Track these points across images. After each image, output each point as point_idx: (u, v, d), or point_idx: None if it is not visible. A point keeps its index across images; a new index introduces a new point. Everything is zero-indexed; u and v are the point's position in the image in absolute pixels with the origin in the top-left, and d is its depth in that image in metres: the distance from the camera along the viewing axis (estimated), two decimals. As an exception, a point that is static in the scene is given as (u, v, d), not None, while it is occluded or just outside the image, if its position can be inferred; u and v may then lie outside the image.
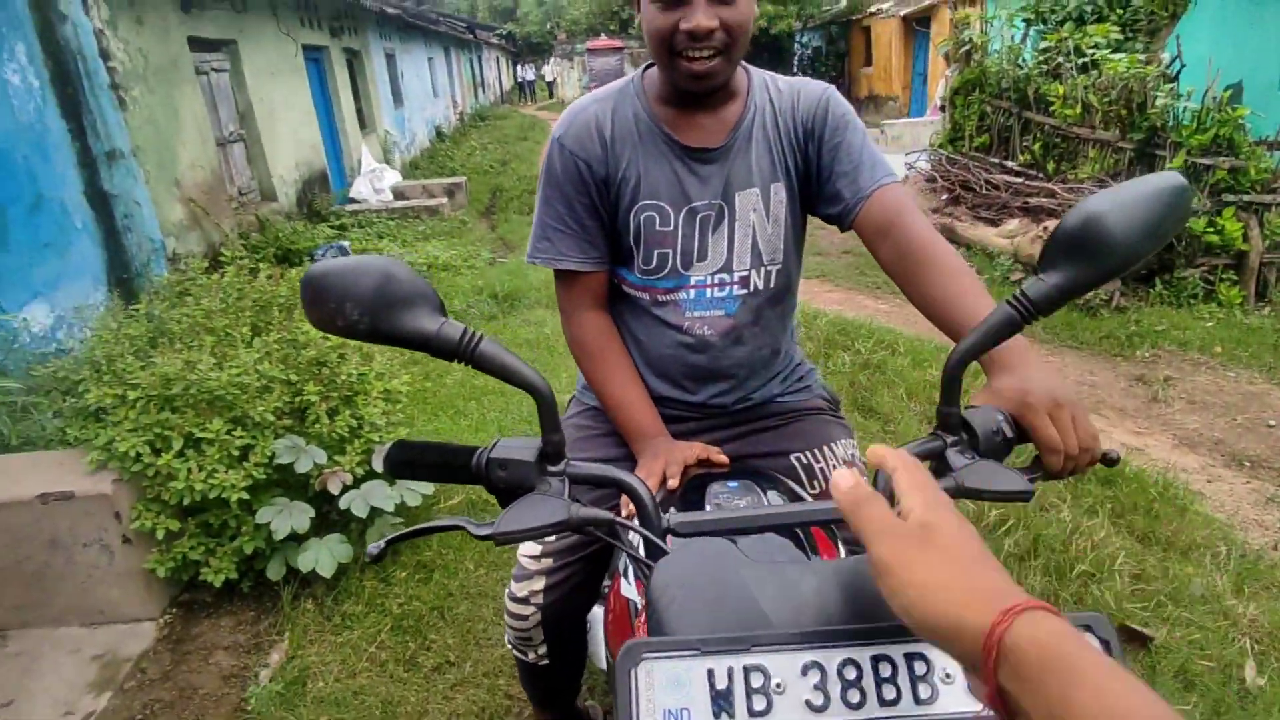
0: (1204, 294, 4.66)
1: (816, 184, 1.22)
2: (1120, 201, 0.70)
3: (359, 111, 10.34)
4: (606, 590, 1.59)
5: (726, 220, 1.21)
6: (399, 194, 9.28)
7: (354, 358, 2.73)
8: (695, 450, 1.16)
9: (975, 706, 0.54)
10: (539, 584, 1.37)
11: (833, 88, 1.26)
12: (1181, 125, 4.73)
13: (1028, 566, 2.43)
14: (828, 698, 0.55)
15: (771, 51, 18.80)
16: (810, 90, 1.23)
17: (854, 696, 0.55)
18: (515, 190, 10.28)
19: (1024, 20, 6.41)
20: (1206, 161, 4.48)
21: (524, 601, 1.39)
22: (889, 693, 0.55)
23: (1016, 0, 7.04)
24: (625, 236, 1.21)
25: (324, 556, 2.35)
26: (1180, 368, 4.16)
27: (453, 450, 0.82)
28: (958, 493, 0.78)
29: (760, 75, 1.27)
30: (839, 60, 18.54)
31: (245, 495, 2.23)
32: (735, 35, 1.04)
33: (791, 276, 1.30)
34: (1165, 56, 5.52)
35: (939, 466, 0.83)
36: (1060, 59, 5.25)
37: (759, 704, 0.55)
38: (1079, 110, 5.21)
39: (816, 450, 1.35)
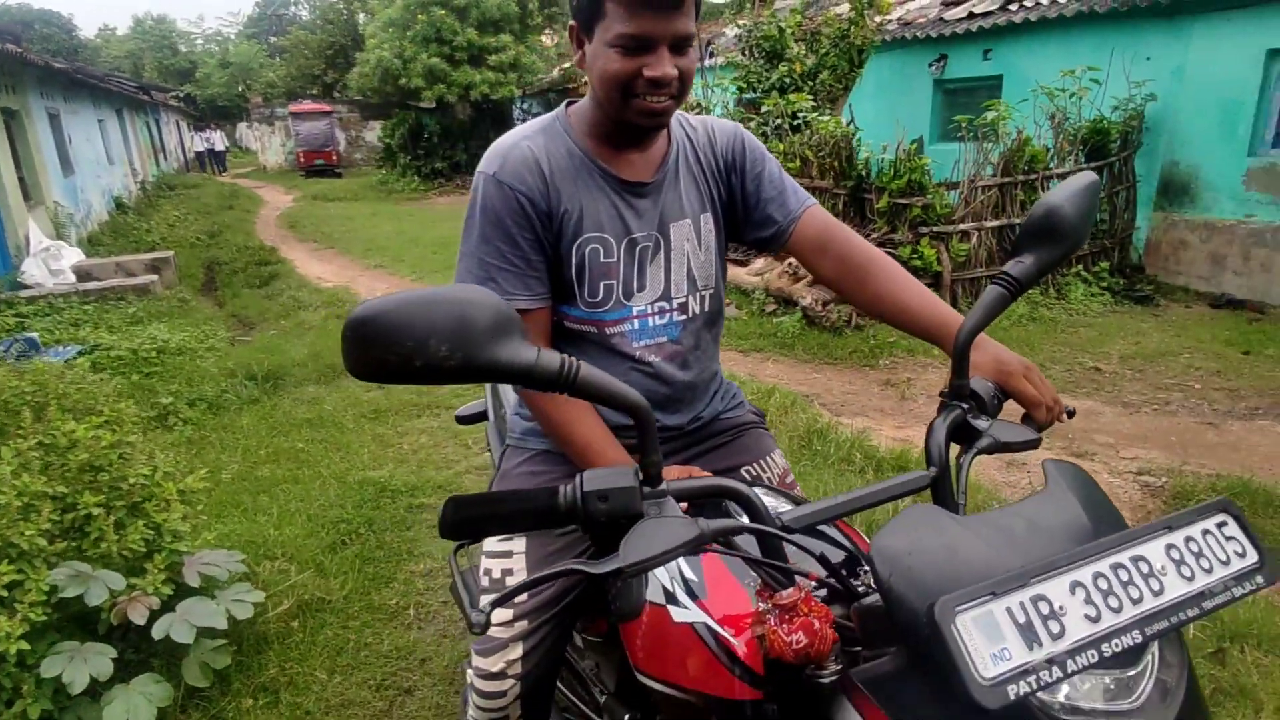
0: (914, 308, 5.65)
1: (743, 212, 1.31)
2: (1067, 195, 0.94)
3: (21, 181, 8.59)
4: (580, 642, 1.48)
5: (663, 250, 1.24)
6: (83, 274, 7.83)
7: (139, 456, 2.24)
8: (675, 473, 1.15)
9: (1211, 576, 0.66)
10: (515, 652, 1.26)
11: (740, 125, 1.38)
12: (882, 173, 5.76)
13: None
14: (1098, 608, 0.62)
15: (494, 117, 19.24)
16: (724, 128, 1.31)
17: (1113, 602, 0.63)
18: (238, 262, 9.22)
19: (737, 88, 7.43)
20: (904, 201, 5.51)
21: (499, 676, 1.26)
22: (1134, 593, 0.64)
23: (724, 71, 8.07)
24: (566, 270, 1.20)
25: (138, 705, 1.87)
26: (914, 370, 4.97)
27: (526, 495, 0.75)
28: (995, 448, 0.94)
29: (674, 115, 1.34)
30: (559, 126, 19.50)
31: (24, 645, 1.71)
32: (687, 81, 1.09)
33: (720, 299, 1.37)
34: (843, 120, 6.71)
35: (966, 431, 0.96)
36: (778, 120, 6.15)
37: (1054, 628, 0.60)
38: (798, 164, 6.12)
39: (760, 462, 1.44)
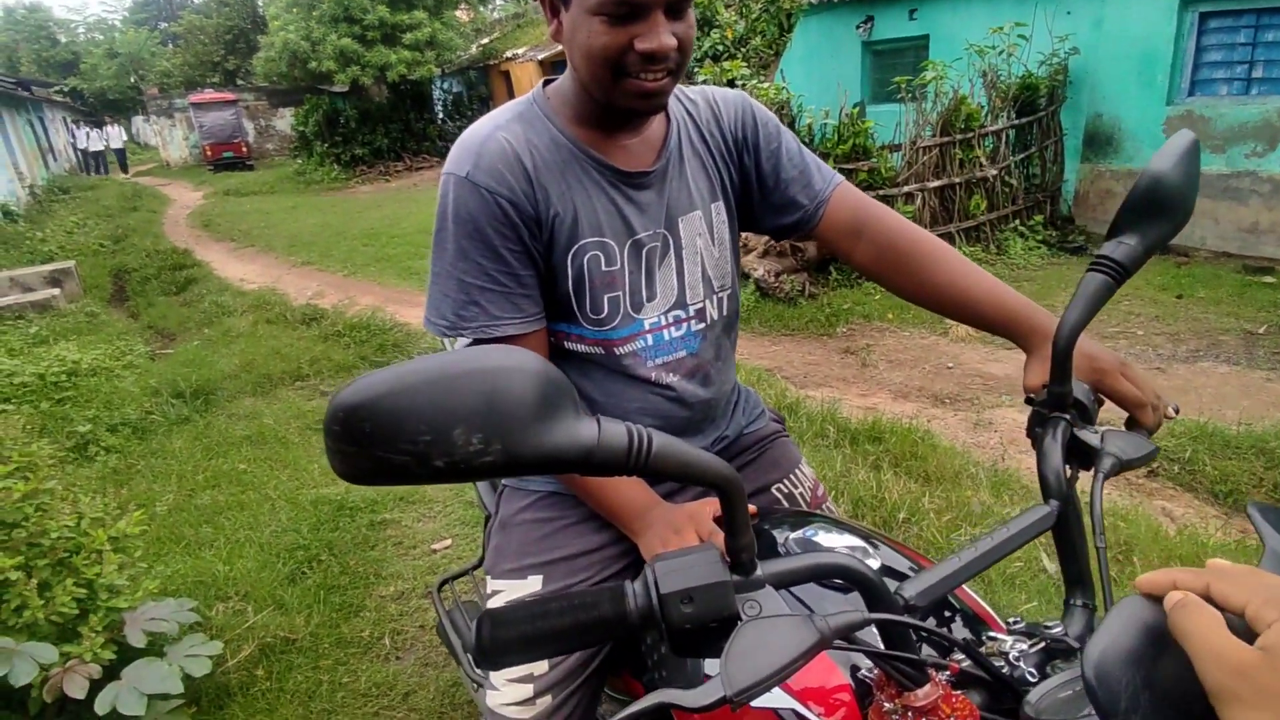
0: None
1: (759, 196, 1.13)
2: (1172, 160, 0.78)
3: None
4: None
5: (673, 250, 1.07)
6: (-26, 293, 7.16)
7: (59, 505, 1.98)
8: (710, 508, 0.99)
9: None
10: None
11: (745, 93, 1.18)
12: (825, 139, 5.69)
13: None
14: None
15: (414, 99, 18.51)
16: (728, 99, 1.12)
17: None
18: (149, 268, 8.61)
19: None
20: (849, 166, 5.46)
21: None
22: None
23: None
24: (562, 283, 1.02)
25: (88, 791, 1.65)
26: (872, 336, 4.96)
27: (581, 603, 0.59)
28: (1120, 468, 0.78)
29: None
30: (483, 105, 18.96)
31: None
32: (686, 51, 0.92)
33: (738, 299, 1.20)
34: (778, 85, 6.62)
35: (1078, 448, 0.81)
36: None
37: None
38: (738, 132, 5.98)
39: (791, 477, 1.30)
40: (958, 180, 6.09)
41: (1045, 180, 7.03)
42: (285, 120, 22.46)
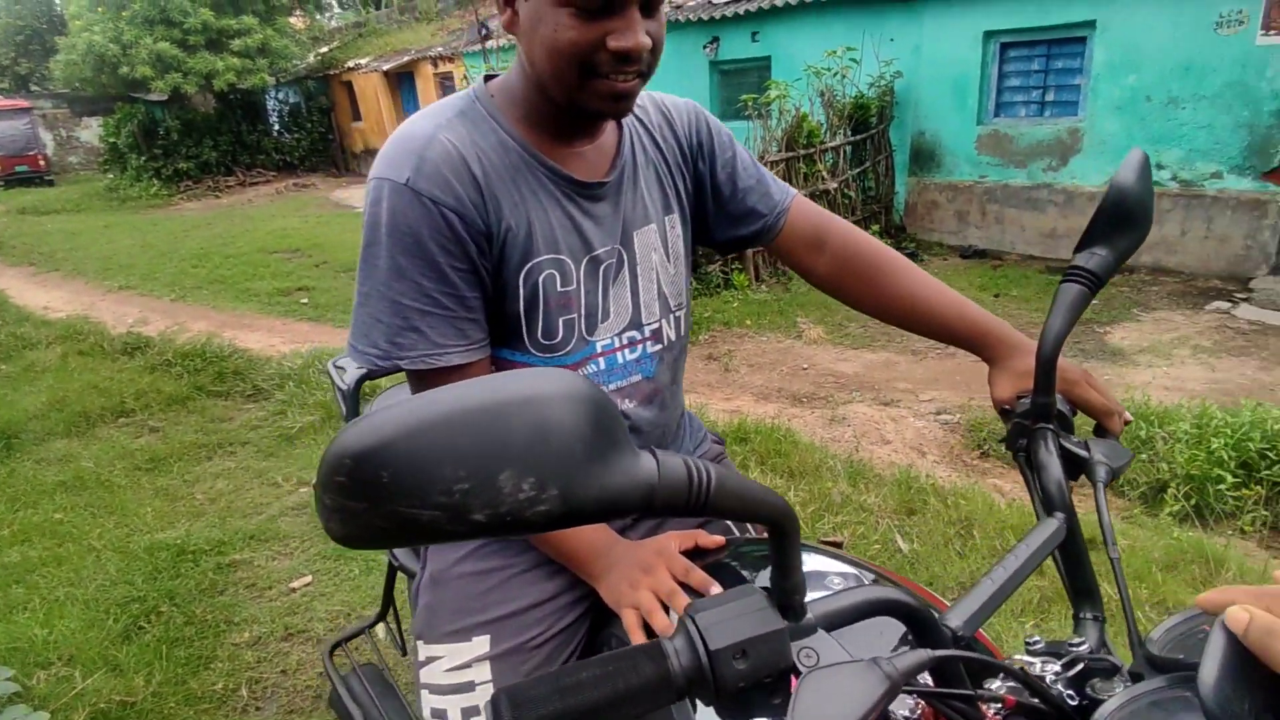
0: (724, 283, 5.88)
1: (714, 207, 1.09)
2: (1134, 175, 0.81)
3: None
4: None
5: (627, 266, 0.99)
6: None
7: None
8: (677, 543, 0.89)
9: None
10: None
11: (695, 102, 1.11)
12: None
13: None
14: None
15: (245, 109, 17.22)
16: (679, 106, 1.07)
17: None
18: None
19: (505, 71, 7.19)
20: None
21: None
22: None
23: (506, 54, 7.80)
24: (511, 305, 0.92)
25: None
26: (732, 342, 5.15)
27: (615, 669, 0.50)
28: (1113, 475, 0.78)
29: None
30: (324, 115, 17.97)
31: None
32: (658, 53, 0.85)
33: (690, 317, 1.15)
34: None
35: (1069, 456, 0.80)
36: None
37: None
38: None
39: None
40: (803, 193, 6.46)
41: (879, 192, 7.62)
42: (92, 131, 20.26)
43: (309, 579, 2.68)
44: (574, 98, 0.84)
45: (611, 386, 1.01)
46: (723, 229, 1.10)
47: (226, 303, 6.87)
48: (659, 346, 1.04)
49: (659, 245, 1.02)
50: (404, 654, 1.86)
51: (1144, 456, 3.11)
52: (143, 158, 16.23)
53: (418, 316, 0.86)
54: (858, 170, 7.30)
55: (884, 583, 0.84)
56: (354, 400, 1.55)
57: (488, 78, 0.95)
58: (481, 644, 0.97)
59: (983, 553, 2.57)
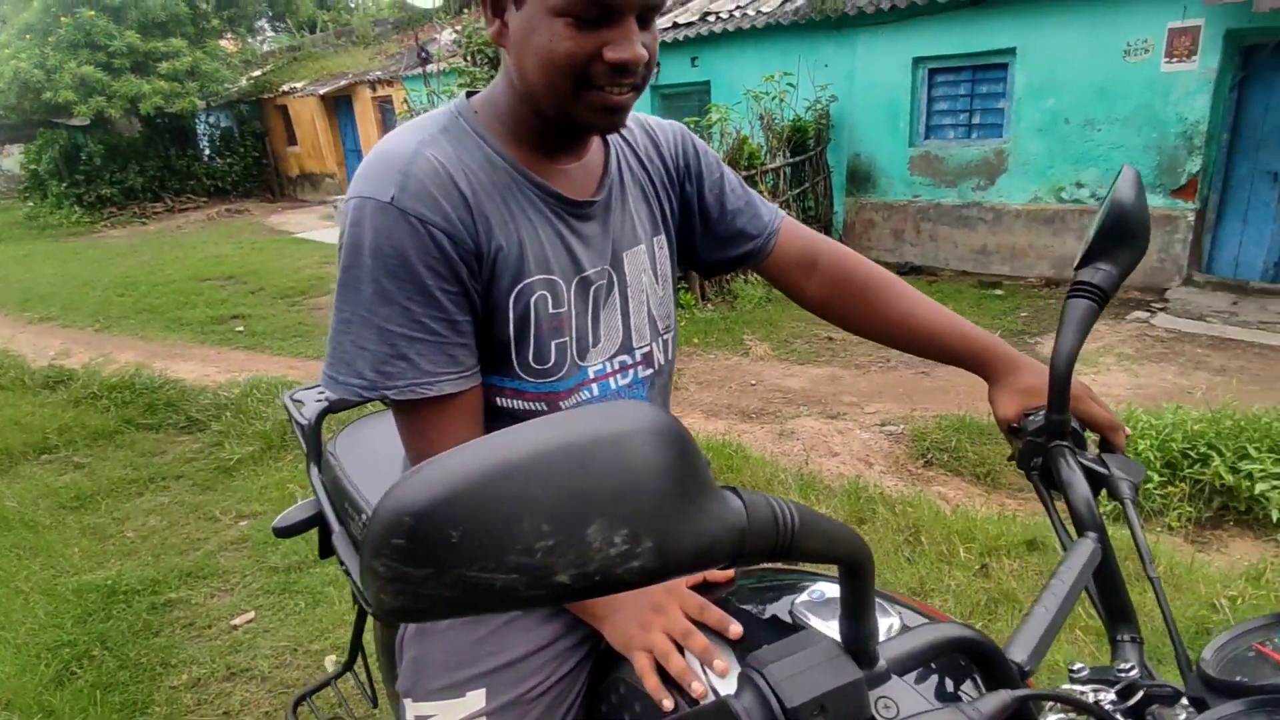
0: (670, 301, 5.93)
1: (703, 227, 1.07)
2: (1129, 192, 0.82)
3: None
4: None
5: (618, 288, 0.97)
6: None
7: None
8: (684, 580, 0.86)
9: None
10: None
11: (678, 122, 1.11)
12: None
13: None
14: None
15: (174, 133, 16.68)
16: (664, 126, 1.06)
17: None
18: None
19: (448, 95, 7.20)
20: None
21: None
22: None
23: (448, 77, 7.78)
24: (501, 329, 0.87)
25: None
26: (681, 360, 5.19)
27: None
28: (1135, 490, 0.78)
29: None
30: (258, 140, 17.53)
31: None
32: (652, 66, 0.84)
33: (677, 340, 1.12)
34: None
35: (1095, 476, 0.79)
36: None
37: None
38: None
39: None
40: (745, 213, 6.61)
41: (819, 212, 7.83)
42: (13, 159, 19.33)
43: (251, 615, 2.57)
44: (567, 110, 0.82)
45: None
46: (710, 251, 1.09)
47: (156, 332, 6.60)
48: (650, 371, 1.02)
49: (648, 266, 1.00)
50: (374, 706, 1.79)
51: (1077, 460, 3.24)
52: (64, 184, 15.56)
53: (405, 343, 0.81)
54: (798, 191, 7.49)
55: (920, 615, 0.82)
56: (315, 436, 1.49)
57: (470, 93, 0.92)
58: (477, 699, 0.90)
59: (931, 558, 2.63)
